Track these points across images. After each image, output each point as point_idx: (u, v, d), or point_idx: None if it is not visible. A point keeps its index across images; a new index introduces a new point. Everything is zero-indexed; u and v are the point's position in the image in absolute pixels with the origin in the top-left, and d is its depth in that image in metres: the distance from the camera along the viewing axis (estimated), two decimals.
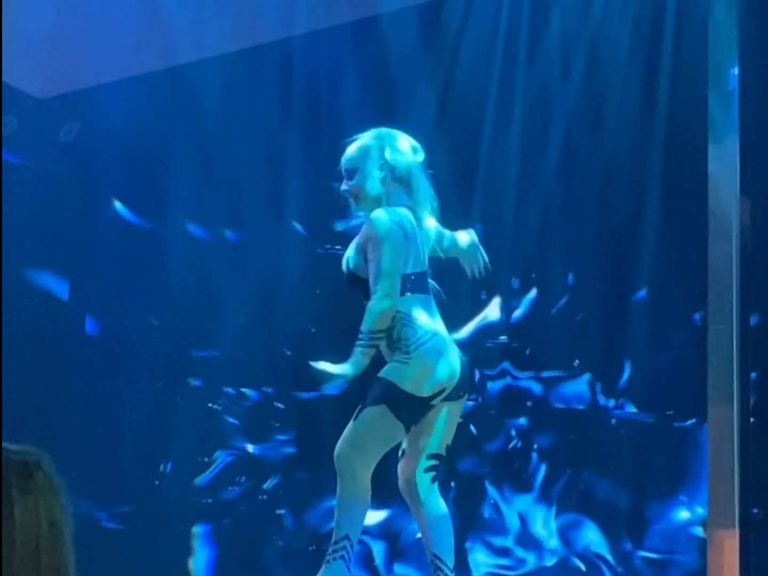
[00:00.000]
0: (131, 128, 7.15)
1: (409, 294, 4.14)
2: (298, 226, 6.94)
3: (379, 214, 4.17)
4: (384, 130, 4.35)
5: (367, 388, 4.17)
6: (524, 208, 6.25)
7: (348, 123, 6.66)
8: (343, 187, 4.30)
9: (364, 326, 4.10)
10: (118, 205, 7.41)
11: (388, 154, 4.29)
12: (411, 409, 4.10)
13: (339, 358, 6.47)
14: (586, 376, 6.13)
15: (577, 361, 6.16)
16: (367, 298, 4.19)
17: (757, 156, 5.66)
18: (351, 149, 4.34)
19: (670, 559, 5.82)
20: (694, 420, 5.76)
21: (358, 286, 4.24)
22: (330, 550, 4.09)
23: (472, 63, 6.36)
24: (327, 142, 6.79)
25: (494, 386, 6.31)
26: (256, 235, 7.02)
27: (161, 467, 7.06)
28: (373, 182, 4.26)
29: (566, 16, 6.12)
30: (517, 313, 6.33)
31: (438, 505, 4.23)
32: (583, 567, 6.03)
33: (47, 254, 7.31)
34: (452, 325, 6.17)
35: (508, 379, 6.30)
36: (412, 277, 4.16)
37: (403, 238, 4.14)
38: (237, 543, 6.85)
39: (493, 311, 6.37)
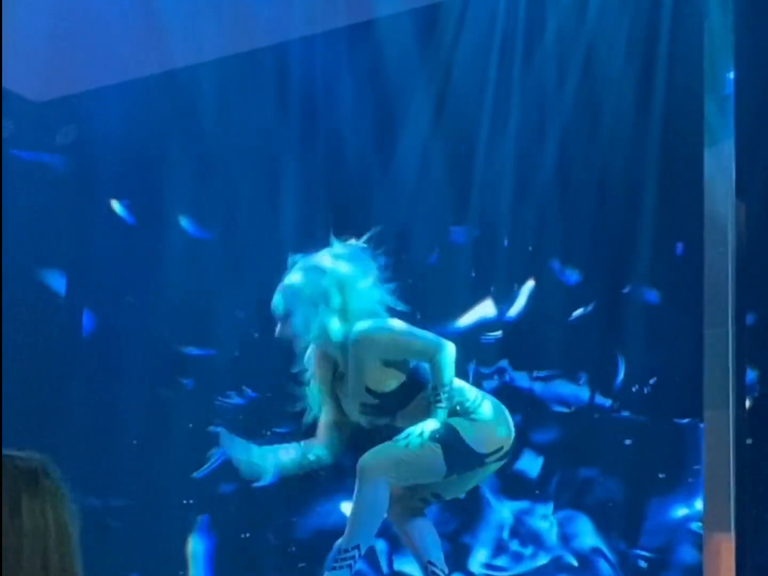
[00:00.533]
0: (127, 132, 7.16)
1: None
2: (292, 229, 6.95)
3: (366, 326, 4.17)
4: (311, 262, 4.26)
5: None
6: (520, 210, 6.27)
7: (345, 126, 6.70)
8: (279, 332, 4.24)
9: (445, 379, 4.09)
10: (115, 207, 7.42)
11: (320, 292, 4.22)
12: (464, 461, 4.14)
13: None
14: (582, 376, 6.14)
15: (572, 362, 6.18)
16: (392, 411, 4.22)
17: (753, 159, 5.68)
18: (279, 293, 4.28)
19: (667, 558, 5.84)
20: (690, 422, 5.77)
21: (386, 405, 4.22)
22: (337, 557, 4.06)
23: (468, 67, 6.37)
24: (324, 145, 6.81)
25: (490, 384, 6.33)
26: (252, 237, 7.03)
27: (157, 463, 7.06)
28: (308, 321, 4.20)
29: (562, 20, 6.14)
30: (514, 313, 6.35)
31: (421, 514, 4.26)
32: (579, 565, 6.04)
33: (44, 256, 7.31)
34: (448, 323, 6.29)
35: (505, 377, 6.32)
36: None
37: None
38: (233, 538, 6.86)
39: (488, 310, 6.39)
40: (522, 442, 6.22)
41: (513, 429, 4.28)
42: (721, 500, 5.45)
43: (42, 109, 7.35)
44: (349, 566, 4.04)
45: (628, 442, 5.94)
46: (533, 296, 6.28)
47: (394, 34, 6.47)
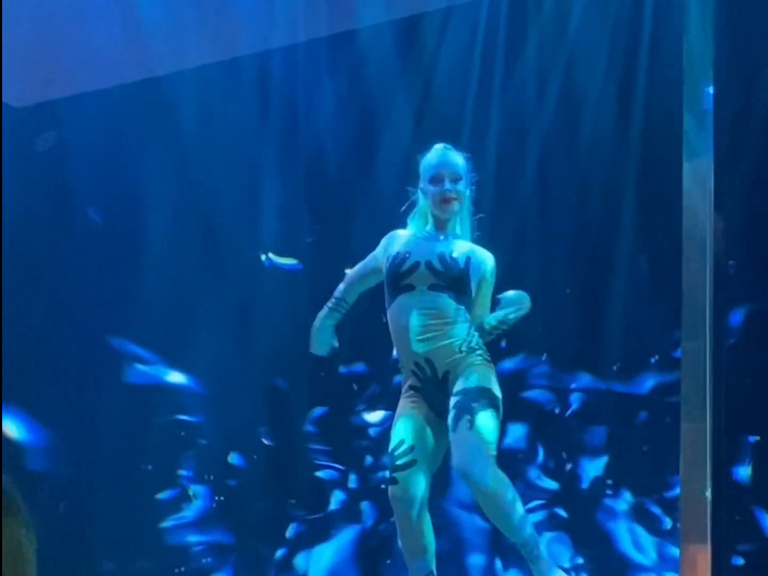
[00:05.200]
0: (108, 138, 7.15)
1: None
2: (272, 236, 6.96)
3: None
4: None
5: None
6: (499, 225, 6.27)
7: (326, 135, 6.71)
8: (448, 186, 4.23)
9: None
10: (93, 214, 7.40)
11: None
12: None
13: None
14: (559, 388, 6.16)
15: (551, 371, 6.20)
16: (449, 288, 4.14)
17: (731, 173, 5.71)
18: (456, 152, 4.34)
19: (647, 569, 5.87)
20: (667, 435, 5.79)
21: (451, 283, 4.16)
22: (529, 550, 3.97)
23: (449, 78, 6.39)
24: (305, 154, 6.81)
25: None
26: (232, 246, 7.03)
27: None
28: (467, 196, 4.30)
29: (542, 35, 6.16)
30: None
31: None
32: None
33: (23, 264, 7.30)
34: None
35: None
36: None
37: None
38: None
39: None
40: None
41: None
42: (697, 512, 5.47)
43: (22, 115, 7.33)
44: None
45: (605, 455, 5.96)
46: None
47: (375, 44, 6.49)
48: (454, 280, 4.14)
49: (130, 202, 7.24)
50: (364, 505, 6.60)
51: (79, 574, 6.73)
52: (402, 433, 4.09)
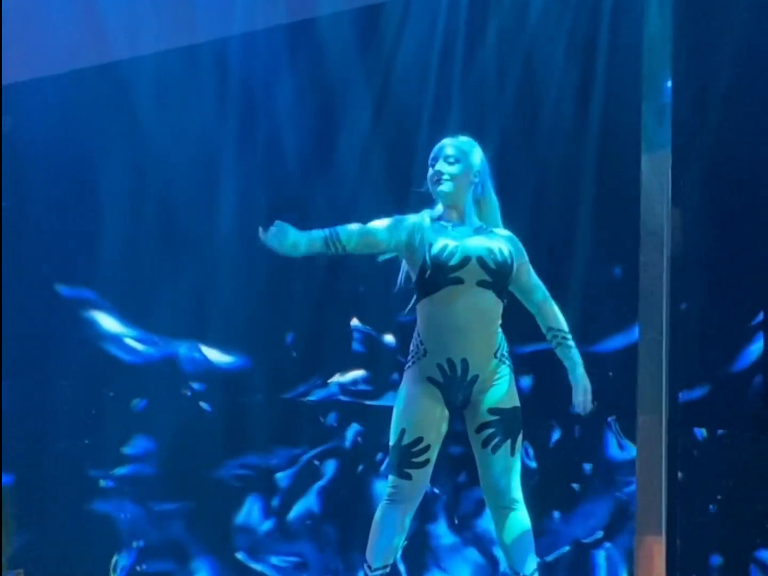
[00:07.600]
0: (63, 124, 7.10)
1: None
2: (232, 225, 6.94)
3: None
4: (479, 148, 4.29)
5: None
6: None
7: (284, 124, 6.69)
8: (439, 167, 4.13)
9: (565, 325, 4.18)
10: (47, 201, 7.34)
11: (482, 172, 4.25)
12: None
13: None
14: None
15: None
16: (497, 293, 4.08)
17: (689, 167, 5.76)
18: (462, 139, 4.24)
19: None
20: (624, 427, 5.84)
21: (498, 280, 4.08)
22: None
23: (408, 67, 6.40)
24: (262, 142, 6.80)
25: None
26: (189, 234, 7.01)
27: None
28: (468, 183, 4.19)
29: (503, 25, 6.18)
30: None
31: None
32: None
33: None
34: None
35: None
36: None
37: None
38: None
39: None
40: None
41: None
42: (652, 503, 5.52)
43: None
44: None
45: (564, 449, 6.01)
46: None
47: (335, 33, 6.48)
48: (503, 278, 4.10)
49: (86, 188, 7.20)
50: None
51: (39, 526, 6.73)
52: (420, 429, 4.00)
